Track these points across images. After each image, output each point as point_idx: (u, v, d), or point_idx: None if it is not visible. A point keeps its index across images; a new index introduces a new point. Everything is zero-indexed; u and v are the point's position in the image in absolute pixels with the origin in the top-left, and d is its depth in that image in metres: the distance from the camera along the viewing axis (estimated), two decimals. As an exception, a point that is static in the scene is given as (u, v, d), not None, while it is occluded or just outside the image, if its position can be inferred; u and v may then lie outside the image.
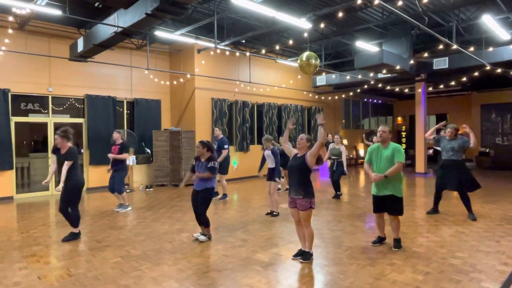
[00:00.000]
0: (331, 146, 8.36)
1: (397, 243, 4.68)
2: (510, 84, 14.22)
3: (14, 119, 8.98)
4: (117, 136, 7.23)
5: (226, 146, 8.09)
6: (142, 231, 5.70)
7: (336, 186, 8.36)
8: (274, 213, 6.64)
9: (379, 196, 4.67)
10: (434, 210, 6.59)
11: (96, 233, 5.64)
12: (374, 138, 9.12)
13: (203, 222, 5.08)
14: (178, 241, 5.10)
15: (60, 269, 4.11)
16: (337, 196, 8.35)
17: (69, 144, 5.15)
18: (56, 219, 6.67)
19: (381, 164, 4.59)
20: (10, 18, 7.65)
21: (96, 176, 9.96)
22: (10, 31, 7.77)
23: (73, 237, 5.25)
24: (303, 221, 4.20)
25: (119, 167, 7.13)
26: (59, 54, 9.01)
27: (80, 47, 8.11)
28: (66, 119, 9.97)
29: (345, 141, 16.31)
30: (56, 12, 6.57)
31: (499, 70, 10.62)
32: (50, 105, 9.57)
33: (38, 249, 4.84)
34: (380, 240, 4.87)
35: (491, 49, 9.80)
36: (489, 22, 7.81)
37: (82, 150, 10.07)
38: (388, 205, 4.63)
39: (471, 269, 3.94)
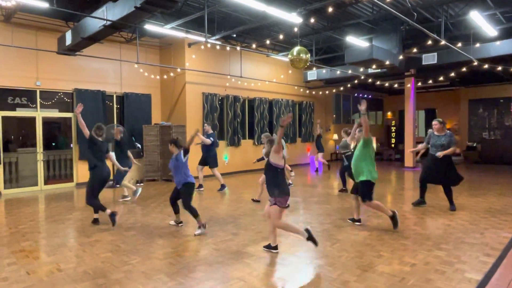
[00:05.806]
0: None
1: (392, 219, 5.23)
2: (497, 80, 14.47)
3: (1, 114, 8.83)
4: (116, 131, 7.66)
5: (211, 139, 8.61)
6: (133, 226, 5.71)
7: (343, 180, 8.41)
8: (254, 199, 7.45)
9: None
10: (420, 202, 6.75)
11: (86, 228, 5.63)
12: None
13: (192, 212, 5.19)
14: (169, 236, 5.11)
15: (50, 264, 4.10)
16: (342, 191, 8.37)
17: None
18: (45, 214, 6.63)
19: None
20: (-4, 10, 7.50)
21: (85, 171, 9.82)
22: (-5, 23, 7.62)
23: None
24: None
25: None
26: (46, 47, 8.86)
27: (68, 41, 8.00)
28: (54, 113, 9.84)
29: (335, 136, 16.42)
30: (43, 5, 6.45)
31: (486, 66, 10.79)
32: (38, 99, 9.43)
33: (27, 245, 4.81)
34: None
35: (478, 45, 9.94)
36: (477, 18, 7.91)
37: (72, 145, 9.98)
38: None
39: (456, 261, 4.04)
